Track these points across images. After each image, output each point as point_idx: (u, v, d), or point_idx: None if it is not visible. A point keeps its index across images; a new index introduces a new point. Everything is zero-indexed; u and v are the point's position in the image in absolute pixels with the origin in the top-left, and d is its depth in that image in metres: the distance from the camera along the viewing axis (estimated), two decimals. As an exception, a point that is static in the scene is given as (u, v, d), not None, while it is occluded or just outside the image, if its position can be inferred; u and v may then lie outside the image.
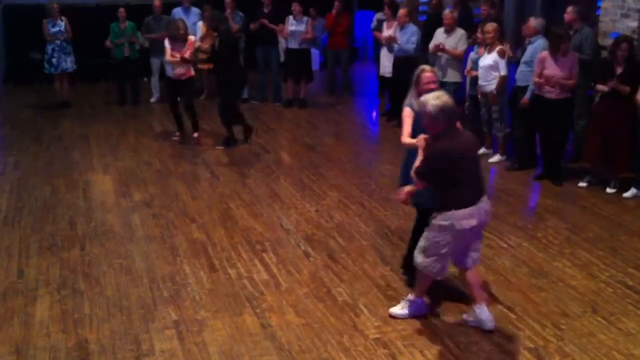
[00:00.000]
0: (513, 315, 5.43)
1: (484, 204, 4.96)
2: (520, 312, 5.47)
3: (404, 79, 10.67)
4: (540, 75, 8.11)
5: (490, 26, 8.83)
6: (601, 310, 5.52)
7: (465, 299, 5.61)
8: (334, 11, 12.56)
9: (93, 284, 5.98)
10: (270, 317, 5.42)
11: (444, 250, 5.00)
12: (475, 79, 9.24)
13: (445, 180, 4.85)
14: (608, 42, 9.15)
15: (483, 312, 5.18)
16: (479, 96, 9.08)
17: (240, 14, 12.43)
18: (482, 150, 9.42)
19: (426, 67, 5.59)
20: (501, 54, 8.66)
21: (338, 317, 5.42)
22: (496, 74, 8.71)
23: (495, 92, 8.71)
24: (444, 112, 4.74)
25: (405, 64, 10.42)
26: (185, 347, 5.03)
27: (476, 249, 5.19)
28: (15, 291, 5.85)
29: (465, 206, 4.84)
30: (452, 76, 10.00)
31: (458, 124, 5.02)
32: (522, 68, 8.66)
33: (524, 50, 8.84)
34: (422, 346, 5.03)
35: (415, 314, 5.36)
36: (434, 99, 4.77)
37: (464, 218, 4.85)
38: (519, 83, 8.73)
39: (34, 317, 5.45)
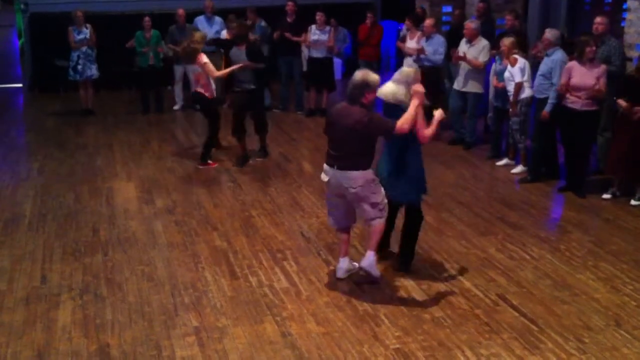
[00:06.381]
0: (535, 327, 5.38)
1: (343, 177, 5.76)
2: (543, 325, 5.42)
3: (429, 89, 10.73)
4: (566, 85, 8.06)
5: (507, 40, 8.88)
6: (625, 323, 5.46)
7: (480, 307, 5.60)
8: (367, 22, 12.57)
9: (115, 289, 6.02)
10: (291, 326, 5.42)
11: (328, 201, 6.21)
12: (498, 91, 9.22)
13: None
14: (633, 54, 9.10)
15: (368, 259, 6.01)
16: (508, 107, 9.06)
17: (262, 24, 12.49)
18: (504, 161, 9.42)
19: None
20: (512, 62, 8.69)
21: (358, 327, 5.41)
22: (513, 83, 8.74)
23: (512, 100, 8.71)
24: (348, 84, 5.78)
25: (430, 74, 10.42)
26: (206, 354, 5.04)
27: (364, 215, 5.94)
28: (38, 296, 5.91)
29: (325, 162, 5.93)
30: (473, 87, 9.99)
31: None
32: (539, 81, 8.59)
33: (537, 62, 8.84)
34: (443, 357, 5.00)
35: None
36: (357, 72, 5.81)
37: (324, 171, 5.98)
38: (537, 95, 8.67)
39: (56, 322, 5.49)
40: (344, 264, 6.22)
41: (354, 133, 5.67)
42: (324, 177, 5.96)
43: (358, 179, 5.73)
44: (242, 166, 9.45)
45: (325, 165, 5.95)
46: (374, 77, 5.77)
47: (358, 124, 5.64)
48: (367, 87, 5.71)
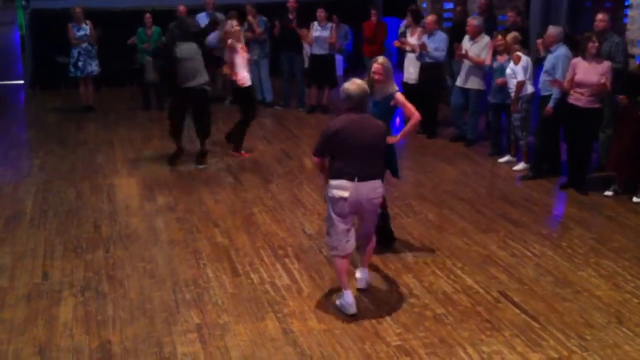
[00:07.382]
0: (537, 324, 5.38)
1: (367, 187, 5.43)
2: (544, 322, 5.42)
3: (430, 85, 10.78)
4: (571, 82, 8.04)
5: (509, 35, 8.93)
6: (626, 321, 5.46)
7: (481, 304, 5.60)
8: (372, 19, 12.54)
9: (117, 286, 6.02)
10: (292, 323, 5.42)
11: (334, 222, 5.49)
12: (497, 87, 9.21)
13: (331, 152, 5.49)
14: (636, 50, 9.07)
15: (362, 274, 5.95)
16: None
17: (264, 18, 12.48)
18: (506, 158, 9.41)
19: (379, 58, 6.37)
20: (516, 60, 8.68)
21: (360, 324, 5.40)
22: (515, 80, 8.74)
23: (513, 97, 8.71)
24: (350, 97, 5.41)
25: (432, 71, 10.41)
26: (207, 351, 5.04)
27: (368, 229, 5.76)
28: (39, 293, 5.91)
29: (338, 177, 5.41)
30: (474, 83, 9.97)
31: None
32: (543, 77, 8.59)
33: (542, 59, 8.83)
34: (444, 354, 5.00)
35: (342, 306, 5.59)
36: (349, 84, 5.45)
37: (337, 187, 5.41)
38: (541, 92, 8.67)
39: (57, 318, 5.50)
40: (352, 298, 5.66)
41: (380, 140, 5.54)
42: (343, 194, 5.39)
43: (380, 187, 5.59)
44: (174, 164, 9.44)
45: (341, 182, 5.40)
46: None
47: (382, 130, 5.55)
48: (368, 94, 5.60)
